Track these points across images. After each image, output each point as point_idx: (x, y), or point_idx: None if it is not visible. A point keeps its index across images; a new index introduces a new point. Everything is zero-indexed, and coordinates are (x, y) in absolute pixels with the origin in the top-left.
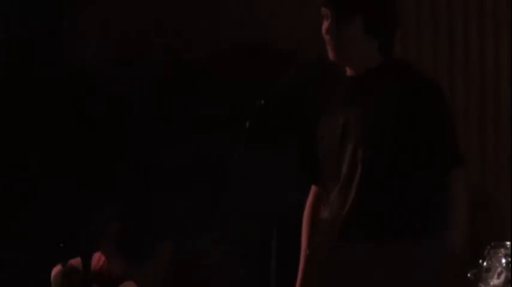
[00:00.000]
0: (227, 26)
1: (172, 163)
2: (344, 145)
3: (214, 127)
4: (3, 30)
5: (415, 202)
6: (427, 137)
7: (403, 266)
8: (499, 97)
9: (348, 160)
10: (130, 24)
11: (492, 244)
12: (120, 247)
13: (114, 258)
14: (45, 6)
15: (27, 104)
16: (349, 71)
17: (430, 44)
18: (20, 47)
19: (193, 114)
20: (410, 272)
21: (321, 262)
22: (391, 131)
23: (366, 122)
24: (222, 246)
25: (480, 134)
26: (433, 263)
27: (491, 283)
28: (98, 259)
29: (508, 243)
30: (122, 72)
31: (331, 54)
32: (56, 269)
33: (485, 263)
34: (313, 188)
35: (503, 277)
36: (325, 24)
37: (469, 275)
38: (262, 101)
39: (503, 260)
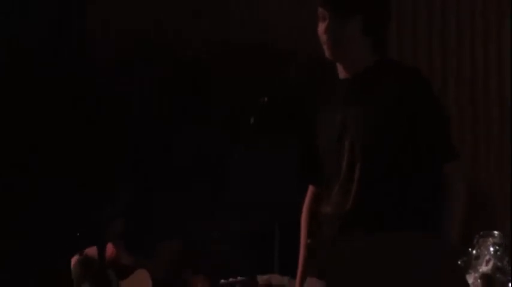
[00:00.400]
0: (227, 26)
1: (172, 163)
2: (342, 142)
3: (214, 127)
4: (4, 31)
5: (414, 198)
6: (427, 134)
7: (403, 261)
8: (491, 97)
9: (347, 158)
10: (130, 24)
11: (481, 233)
12: (125, 244)
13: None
14: (46, 6)
15: (27, 104)
16: (343, 73)
17: (426, 44)
18: (20, 47)
19: (193, 114)
20: (410, 268)
21: (321, 255)
22: (388, 129)
23: (363, 120)
24: (222, 246)
25: (474, 133)
26: (433, 259)
27: (480, 270)
28: (111, 248)
29: (496, 232)
30: (122, 72)
31: (328, 54)
32: (74, 259)
33: (474, 251)
34: (311, 188)
35: (491, 264)
36: (321, 25)
37: (459, 262)
38: (266, 98)
39: (492, 249)
